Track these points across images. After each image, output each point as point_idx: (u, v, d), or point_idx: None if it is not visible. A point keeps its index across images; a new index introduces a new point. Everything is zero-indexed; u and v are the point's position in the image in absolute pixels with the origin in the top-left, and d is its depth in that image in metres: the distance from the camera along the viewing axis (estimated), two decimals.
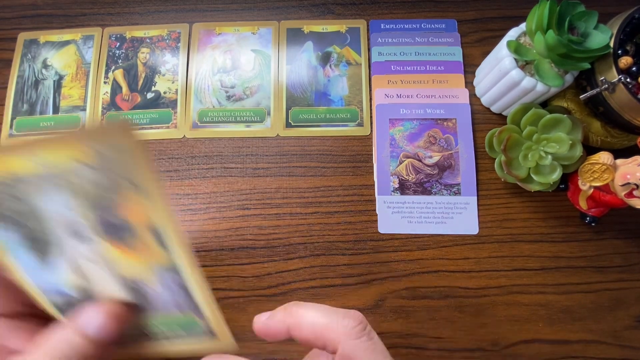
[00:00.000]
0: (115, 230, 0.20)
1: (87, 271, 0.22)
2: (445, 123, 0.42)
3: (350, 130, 0.42)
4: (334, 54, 0.44)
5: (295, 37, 0.45)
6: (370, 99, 0.43)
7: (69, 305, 0.23)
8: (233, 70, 0.44)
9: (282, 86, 0.43)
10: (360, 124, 0.42)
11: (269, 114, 0.42)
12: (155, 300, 0.23)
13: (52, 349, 0.20)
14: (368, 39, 0.44)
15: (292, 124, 0.42)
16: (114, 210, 0.20)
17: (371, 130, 0.42)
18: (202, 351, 0.24)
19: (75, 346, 0.21)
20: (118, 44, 0.44)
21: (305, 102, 0.43)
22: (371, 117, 0.42)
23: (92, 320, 0.21)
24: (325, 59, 0.44)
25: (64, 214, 0.20)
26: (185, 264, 0.21)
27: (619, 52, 0.34)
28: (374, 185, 0.40)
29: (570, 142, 0.35)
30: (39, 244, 0.21)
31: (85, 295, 0.22)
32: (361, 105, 0.42)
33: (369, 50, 0.44)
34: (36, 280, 0.22)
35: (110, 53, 0.44)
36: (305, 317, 0.21)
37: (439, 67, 0.43)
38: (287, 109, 0.43)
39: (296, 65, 0.44)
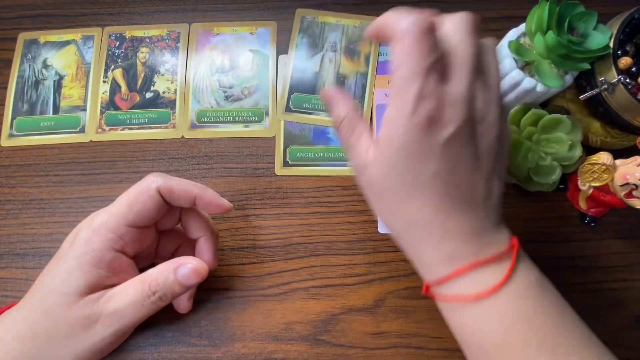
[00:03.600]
0: None
1: None
2: None
3: None
4: None
5: None
6: (371, 99, 0.43)
7: None
8: (231, 71, 0.44)
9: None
10: None
11: (267, 114, 0.42)
12: None
13: (154, 273, 0.29)
14: None
15: None
16: None
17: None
18: None
19: (167, 279, 0.29)
20: (118, 43, 0.44)
21: None
22: (371, 117, 0.42)
23: (183, 269, 0.29)
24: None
25: None
26: None
27: (619, 52, 0.34)
28: None
29: (570, 142, 0.35)
30: None
31: None
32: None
33: None
34: None
35: (110, 52, 0.44)
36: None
37: None
38: None
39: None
